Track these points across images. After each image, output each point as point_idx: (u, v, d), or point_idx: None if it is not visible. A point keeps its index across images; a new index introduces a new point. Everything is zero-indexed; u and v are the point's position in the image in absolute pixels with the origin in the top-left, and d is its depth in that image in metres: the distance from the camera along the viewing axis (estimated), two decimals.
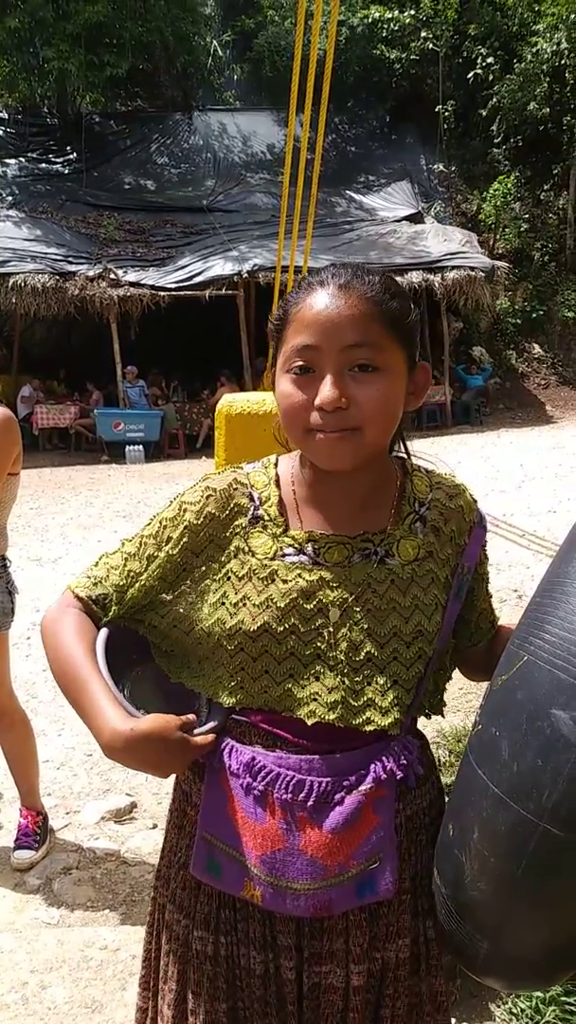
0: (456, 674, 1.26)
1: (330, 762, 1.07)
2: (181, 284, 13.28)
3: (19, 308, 13.00)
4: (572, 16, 15.89)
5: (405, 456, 1.18)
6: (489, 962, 0.99)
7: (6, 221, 14.31)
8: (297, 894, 1.05)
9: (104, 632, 1.10)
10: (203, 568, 1.11)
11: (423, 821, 1.16)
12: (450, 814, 1.04)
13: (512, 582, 5.17)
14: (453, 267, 13.93)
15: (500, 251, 17.26)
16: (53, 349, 16.27)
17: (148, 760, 0.99)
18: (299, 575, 1.07)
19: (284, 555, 1.08)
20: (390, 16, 17.68)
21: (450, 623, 1.13)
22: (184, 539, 1.11)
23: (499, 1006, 1.93)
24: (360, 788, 1.06)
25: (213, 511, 1.10)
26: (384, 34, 17.80)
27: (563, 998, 1.83)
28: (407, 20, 17.70)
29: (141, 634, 1.17)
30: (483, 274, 14.02)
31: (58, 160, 17.67)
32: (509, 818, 0.89)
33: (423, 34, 17.68)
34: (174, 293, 13.20)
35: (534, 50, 16.40)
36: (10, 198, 15.58)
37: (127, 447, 12.51)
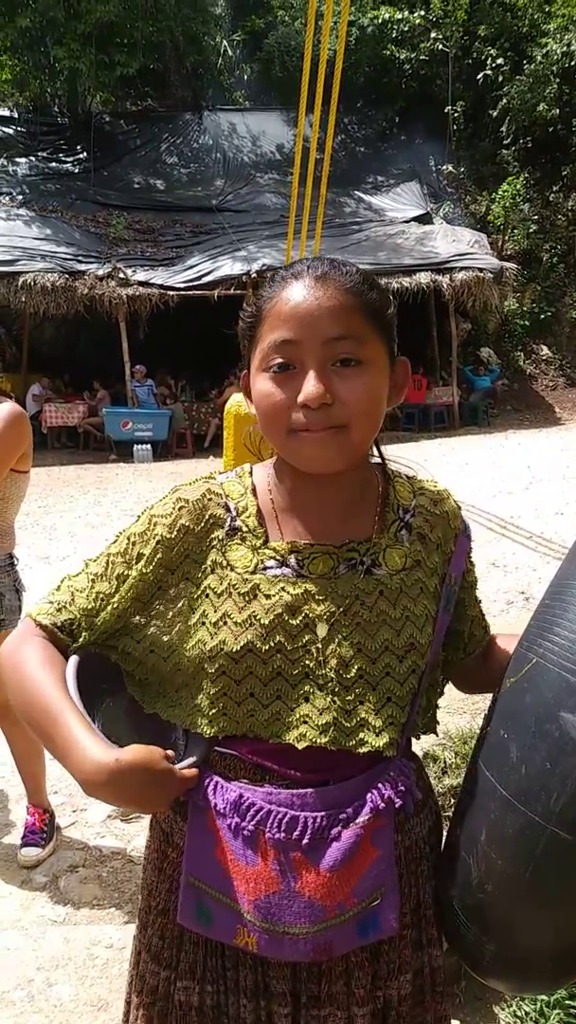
0: None
1: (324, 795, 0.99)
2: (190, 284, 13.29)
3: (28, 307, 13.00)
4: None
5: (382, 461, 1.12)
6: (495, 964, 0.99)
7: (16, 220, 14.33)
8: (296, 938, 0.97)
9: (74, 660, 1.01)
10: (179, 586, 1.03)
11: (423, 851, 1.10)
12: (457, 816, 1.03)
13: (519, 584, 5.15)
14: (461, 268, 13.89)
15: (509, 252, 17.22)
16: (62, 348, 16.33)
17: (132, 794, 0.90)
18: (283, 589, 1.00)
19: (265, 568, 1.01)
20: (400, 17, 17.67)
21: (440, 635, 1.08)
22: (157, 555, 1.03)
23: (504, 1009, 1.92)
24: (358, 820, 0.99)
25: (187, 523, 1.02)
26: (394, 35, 17.81)
27: (568, 1002, 1.82)
28: (417, 21, 17.68)
29: (112, 662, 1.08)
30: (491, 275, 13.98)
31: (68, 159, 17.72)
32: (517, 821, 0.89)
33: (433, 35, 17.66)
34: (183, 293, 13.21)
35: (544, 51, 16.36)
36: (20, 197, 15.59)
37: (135, 446, 12.50)
